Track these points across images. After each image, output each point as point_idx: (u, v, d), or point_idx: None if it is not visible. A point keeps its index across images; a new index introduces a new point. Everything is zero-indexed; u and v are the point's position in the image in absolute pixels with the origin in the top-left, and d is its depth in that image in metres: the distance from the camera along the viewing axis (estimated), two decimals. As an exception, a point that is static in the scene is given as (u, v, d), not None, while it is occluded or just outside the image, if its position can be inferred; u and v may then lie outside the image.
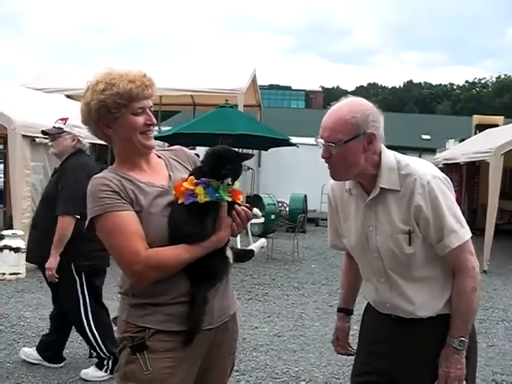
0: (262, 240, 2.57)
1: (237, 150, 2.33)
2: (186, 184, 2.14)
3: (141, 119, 2.18)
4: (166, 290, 2.14)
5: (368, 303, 2.71)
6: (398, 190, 2.33)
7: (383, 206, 2.37)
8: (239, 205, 2.21)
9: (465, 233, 2.34)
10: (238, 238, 9.84)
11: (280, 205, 15.65)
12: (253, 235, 11.35)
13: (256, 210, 2.29)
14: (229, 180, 2.17)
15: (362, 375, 2.65)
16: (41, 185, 9.61)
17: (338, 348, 2.91)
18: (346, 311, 2.88)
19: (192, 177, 2.16)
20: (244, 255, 2.47)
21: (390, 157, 2.38)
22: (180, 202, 2.13)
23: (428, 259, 2.38)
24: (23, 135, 9.07)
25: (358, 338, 2.77)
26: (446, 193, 2.31)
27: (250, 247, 2.49)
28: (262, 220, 10.79)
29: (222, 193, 2.13)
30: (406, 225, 2.32)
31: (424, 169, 2.35)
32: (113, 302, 6.82)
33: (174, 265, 2.09)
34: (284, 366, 5.26)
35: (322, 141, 2.32)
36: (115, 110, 2.15)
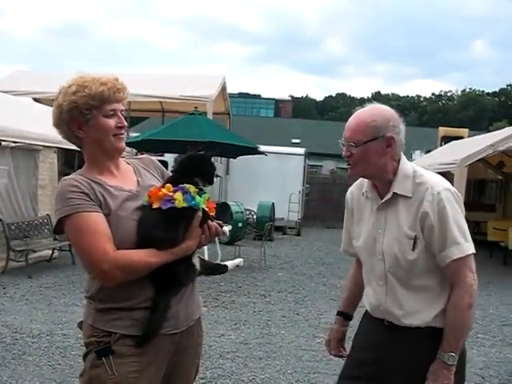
0: (239, 259, 2.60)
1: (217, 158, 2.39)
2: (164, 190, 2.16)
3: (112, 121, 2.20)
4: (132, 295, 2.14)
5: (365, 311, 2.75)
6: (409, 196, 2.43)
7: (393, 210, 2.47)
8: (211, 220, 2.25)
9: (468, 247, 2.39)
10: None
11: (248, 213, 15.67)
12: (220, 243, 11.34)
13: (225, 229, 2.35)
14: (205, 185, 2.25)
15: (349, 379, 2.68)
16: (5, 188, 9.49)
17: (328, 349, 2.94)
18: (344, 315, 2.91)
19: (169, 184, 2.19)
20: (216, 269, 2.51)
21: (407, 165, 2.50)
22: (155, 206, 2.14)
23: (428, 269, 2.42)
24: (-12, 138, 8.92)
25: (353, 342, 2.79)
26: (454, 205, 2.39)
27: (225, 263, 2.51)
28: (229, 227, 10.79)
29: (199, 200, 2.16)
30: (412, 230, 2.40)
31: (437, 180, 2.46)
32: (78, 307, 6.78)
33: (142, 268, 2.10)
34: (250, 374, 5.26)
35: (343, 141, 2.47)
36: (87, 112, 2.17)
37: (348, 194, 2.76)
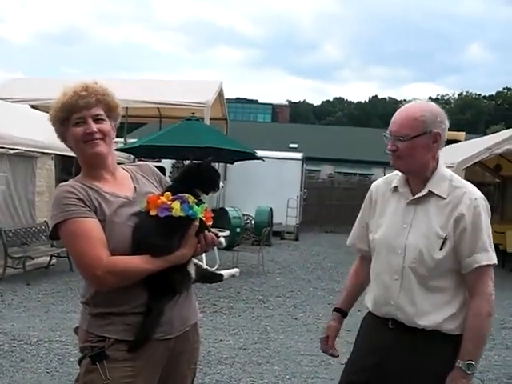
0: (235, 269, 2.60)
1: (215, 164, 2.38)
2: (162, 198, 2.17)
3: (80, 129, 2.21)
4: (126, 300, 2.15)
5: (366, 315, 2.73)
6: (443, 197, 2.44)
7: (424, 207, 2.48)
8: (208, 230, 2.26)
9: (494, 256, 2.42)
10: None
11: (245, 218, 15.67)
12: (218, 248, 11.32)
13: (222, 239, 2.34)
14: (204, 196, 2.26)
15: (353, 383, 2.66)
16: (3, 195, 9.48)
17: (324, 346, 2.91)
18: (342, 312, 2.91)
19: (168, 193, 2.20)
20: (212, 278, 2.52)
21: (444, 167, 2.53)
22: (153, 213, 2.15)
23: (447, 271, 2.43)
24: (-14, 145, 8.92)
25: (353, 347, 2.78)
26: (487, 215, 2.43)
27: (221, 272, 2.52)
28: (227, 233, 10.79)
29: (196, 210, 2.18)
30: (443, 230, 2.41)
31: (474, 188, 2.49)
32: (76, 314, 6.76)
33: (135, 274, 2.12)
34: (249, 379, 5.26)
35: (389, 134, 2.46)
36: (62, 124, 2.24)
37: (373, 187, 2.75)
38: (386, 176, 2.74)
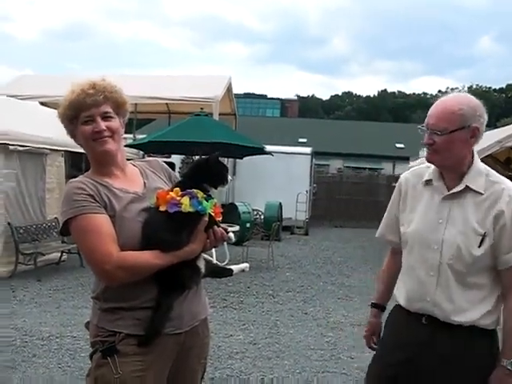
0: (245, 264, 2.61)
1: (224, 159, 2.38)
2: (172, 193, 2.18)
3: (89, 128, 2.21)
4: (136, 295, 2.17)
5: (394, 308, 2.71)
6: (481, 193, 2.40)
7: (460, 203, 2.43)
8: (218, 225, 2.27)
9: None
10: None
11: (255, 213, 15.68)
12: (228, 243, 11.34)
13: (231, 235, 2.35)
14: (214, 190, 2.27)
15: (380, 379, 2.65)
16: (13, 192, 9.53)
17: (370, 342, 2.91)
18: (380, 307, 2.90)
19: (178, 188, 2.21)
20: (222, 273, 2.53)
21: (480, 162, 2.48)
22: (162, 209, 2.17)
23: (485, 268, 2.41)
24: (-4, 142, 8.96)
25: (380, 341, 2.78)
26: None
27: (231, 267, 2.53)
28: (237, 228, 10.80)
29: (205, 205, 2.19)
30: (481, 227, 2.37)
31: (511, 183, 2.45)
32: (87, 310, 6.80)
33: (145, 269, 2.13)
34: (259, 374, 5.28)
35: (425, 127, 2.41)
36: (70, 122, 2.25)
37: (402, 179, 2.69)
38: (415, 168, 2.70)
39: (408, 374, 2.51)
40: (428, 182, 2.55)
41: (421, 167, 2.66)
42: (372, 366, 2.74)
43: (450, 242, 2.41)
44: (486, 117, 2.41)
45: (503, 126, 17.82)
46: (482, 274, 2.41)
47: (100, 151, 2.24)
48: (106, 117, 2.23)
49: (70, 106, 2.22)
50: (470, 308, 2.41)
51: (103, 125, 2.21)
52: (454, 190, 2.44)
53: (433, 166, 2.54)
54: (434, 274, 2.45)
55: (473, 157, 2.47)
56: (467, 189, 2.42)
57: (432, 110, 2.42)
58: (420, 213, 2.53)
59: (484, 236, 2.37)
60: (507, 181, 2.46)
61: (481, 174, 2.44)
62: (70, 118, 2.24)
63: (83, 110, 2.20)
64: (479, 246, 2.37)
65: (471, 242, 2.38)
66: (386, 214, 2.81)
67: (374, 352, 2.81)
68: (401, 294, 2.62)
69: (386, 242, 2.85)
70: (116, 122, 2.26)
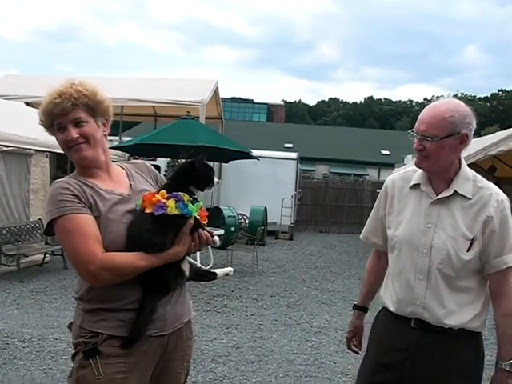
0: (229, 268, 2.61)
1: (210, 163, 2.38)
2: (158, 196, 2.18)
3: (62, 136, 2.21)
4: (119, 296, 2.16)
5: (380, 311, 2.72)
6: (469, 197, 2.43)
7: (449, 208, 2.45)
8: (203, 228, 2.27)
9: None
10: (198, 249, 9.85)
11: (240, 217, 15.68)
12: (212, 247, 11.33)
13: (216, 238, 2.35)
14: (200, 193, 2.27)
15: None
16: (-3, 193, 9.45)
17: (352, 344, 2.93)
18: (363, 309, 2.92)
19: (164, 191, 2.21)
20: (206, 276, 2.53)
21: (467, 167, 2.52)
22: (148, 211, 2.17)
23: (474, 272, 2.44)
24: (-20, 143, 8.89)
25: (368, 345, 2.77)
26: (511, 215, 2.44)
27: (215, 271, 2.53)
28: (221, 232, 10.80)
29: (191, 208, 2.19)
30: (470, 232, 2.40)
31: (498, 189, 2.48)
32: (69, 312, 6.76)
33: (129, 270, 2.13)
34: (242, 378, 5.27)
35: (415, 133, 2.43)
36: (48, 129, 2.25)
37: (388, 183, 2.70)
38: (402, 171, 2.71)
39: (397, 378, 2.52)
40: (415, 186, 2.56)
41: (407, 171, 2.67)
42: (364, 373, 2.73)
43: (440, 246, 2.43)
44: (474, 124, 2.45)
45: (487, 134, 17.99)
46: (469, 278, 2.45)
47: (76, 158, 2.23)
48: (77, 123, 2.19)
49: (43, 115, 2.21)
50: (460, 311, 2.44)
51: (75, 132, 2.18)
52: (443, 195, 2.47)
53: (420, 170, 2.56)
54: (423, 278, 2.47)
55: (460, 162, 2.50)
56: (455, 194, 2.45)
57: (422, 116, 2.44)
58: (408, 216, 2.55)
59: (473, 241, 2.40)
60: (494, 186, 2.50)
61: (468, 179, 2.47)
62: (47, 126, 2.24)
63: (54, 119, 2.20)
64: (468, 251, 2.40)
65: (460, 247, 2.40)
66: (370, 216, 2.82)
67: (360, 356, 2.82)
68: (389, 298, 2.63)
69: (370, 245, 2.87)
70: (90, 127, 2.22)
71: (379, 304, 2.74)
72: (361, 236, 2.89)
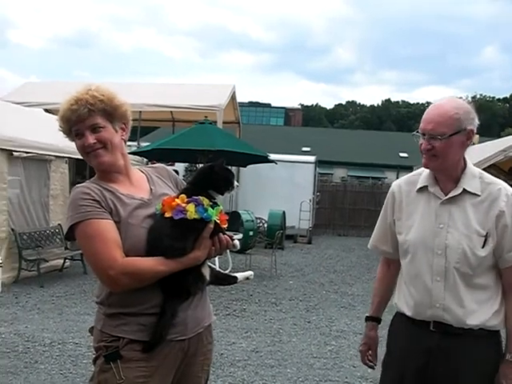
0: (250, 272, 2.59)
1: (229, 167, 2.38)
2: (177, 200, 2.18)
3: (80, 142, 2.22)
4: (140, 301, 2.16)
5: (396, 318, 2.70)
6: (478, 194, 2.45)
7: (459, 206, 2.46)
8: (223, 232, 2.26)
9: None
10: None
11: (258, 221, 15.68)
12: (231, 251, 11.34)
13: (236, 242, 2.33)
14: (220, 196, 2.27)
15: None
16: (17, 198, 9.55)
17: (366, 358, 2.87)
18: (377, 320, 2.88)
19: (183, 195, 2.21)
20: (226, 280, 2.52)
21: (472, 166, 2.54)
22: (167, 215, 2.17)
23: (490, 268, 2.45)
24: (1, 149, 8.98)
25: (387, 352, 2.73)
26: None
27: (236, 274, 2.52)
28: (240, 236, 10.80)
29: (211, 212, 2.19)
30: (483, 228, 2.41)
31: (506, 184, 2.50)
32: (89, 316, 6.81)
33: (150, 275, 2.13)
34: (261, 382, 5.26)
35: (421, 133, 2.44)
36: (67, 135, 2.26)
37: (395, 188, 2.69)
38: (407, 176, 2.71)
39: (420, 382, 2.50)
40: (422, 189, 2.56)
41: (413, 174, 2.68)
42: (386, 380, 2.70)
43: (455, 246, 2.42)
44: (477, 120, 2.46)
45: (507, 135, 17.84)
46: (486, 275, 2.45)
47: (94, 163, 2.25)
48: (94, 128, 2.20)
49: (61, 121, 2.23)
50: (479, 310, 2.43)
51: (92, 138, 2.19)
52: (452, 194, 2.47)
53: (424, 173, 2.57)
54: (440, 279, 2.45)
55: (465, 161, 2.52)
56: (464, 192, 2.46)
57: (428, 116, 2.44)
58: (418, 219, 2.54)
59: (487, 237, 2.41)
60: (501, 181, 2.52)
61: (475, 177, 2.49)
62: (65, 132, 2.26)
63: (72, 126, 2.21)
64: (483, 247, 2.41)
65: (475, 244, 2.41)
66: (378, 224, 2.81)
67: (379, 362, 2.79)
68: (404, 304, 2.60)
69: (380, 253, 2.85)
70: (107, 132, 2.22)
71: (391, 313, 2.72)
72: (369, 245, 2.87)
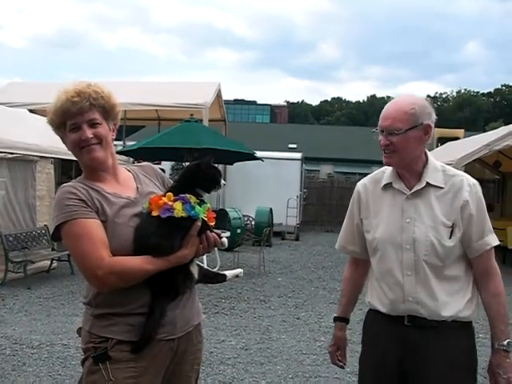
0: (239, 270, 2.59)
1: (216, 165, 2.36)
2: (164, 198, 2.17)
3: (75, 136, 2.19)
4: (128, 301, 2.15)
5: (368, 313, 2.72)
6: (441, 187, 2.49)
7: (424, 200, 2.50)
8: (211, 230, 2.25)
9: (496, 238, 2.55)
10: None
11: (246, 219, 15.66)
12: (219, 249, 11.30)
13: (224, 240, 2.33)
14: (206, 195, 2.25)
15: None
16: (3, 200, 9.48)
17: (336, 358, 2.89)
18: (345, 320, 2.90)
19: (170, 193, 2.19)
20: (215, 278, 2.52)
21: (434, 160, 2.58)
22: (154, 214, 2.15)
23: (458, 258, 2.48)
24: (-16, 150, 8.91)
25: (363, 349, 2.74)
26: (483, 198, 2.52)
27: (225, 272, 2.52)
28: (227, 234, 10.79)
29: (198, 210, 2.17)
30: (448, 219, 2.45)
31: (468, 175, 2.57)
32: (77, 317, 6.77)
33: (137, 274, 2.11)
34: (251, 379, 5.26)
35: (380, 130, 2.48)
36: (58, 129, 2.23)
37: (360, 188, 2.72)
38: (371, 175, 2.74)
39: (399, 378, 2.51)
40: (387, 186, 2.59)
41: (375, 173, 2.71)
42: (369, 378, 2.70)
43: (422, 238, 2.46)
44: (434, 115, 2.51)
45: (491, 129, 17.95)
46: (456, 266, 2.48)
47: (87, 159, 2.22)
48: (92, 124, 2.19)
49: (56, 114, 2.19)
50: (451, 301, 2.46)
51: (89, 132, 2.18)
52: (416, 188, 2.51)
53: (388, 170, 2.61)
54: (411, 274, 2.48)
55: (427, 155, 2.56)
56: (428, 185, 2.50)
57: (385, 113, 2.50)
58: (385, 216, 2.57)
59: (453, 227, 2.45)
60: (463, 173, 2.58)
61: (437, 170, 2.53)
62: (57, 126, 2.22)
63: (69, 118, 2.18)
64: (450, 238, 2.45)
65: (442, 235, 2.44)
66: (344, 225, 2.83)
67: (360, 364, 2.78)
68: (378, 301, 2.61)
69: (347, 253, 2.87)
70: (103, 129, 2.23)
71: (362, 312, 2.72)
72: (336, 246, 2.89)
